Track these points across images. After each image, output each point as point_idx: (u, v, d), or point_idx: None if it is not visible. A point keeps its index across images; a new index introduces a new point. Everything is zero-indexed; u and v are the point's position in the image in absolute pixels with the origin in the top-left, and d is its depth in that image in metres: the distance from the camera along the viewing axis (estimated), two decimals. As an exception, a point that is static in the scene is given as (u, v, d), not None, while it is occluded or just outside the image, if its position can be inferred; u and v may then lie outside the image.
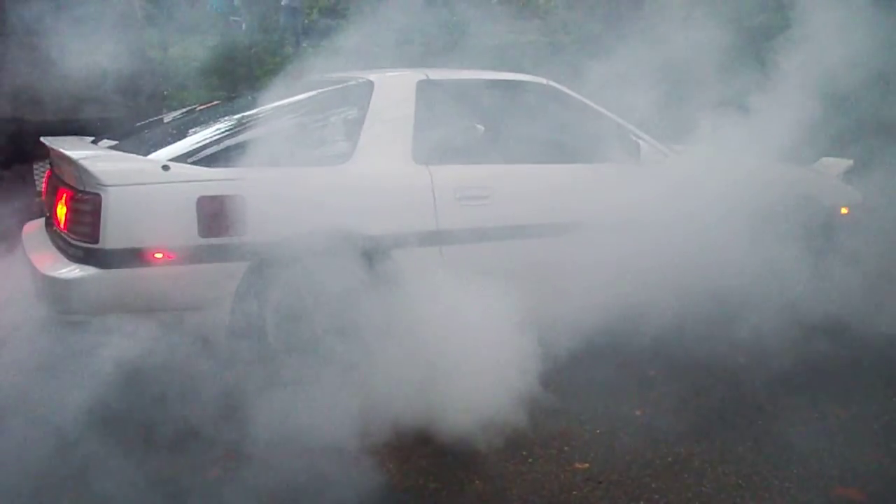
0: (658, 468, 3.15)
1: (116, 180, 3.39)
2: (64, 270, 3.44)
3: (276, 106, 4.17)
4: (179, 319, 3.49)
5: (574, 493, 2.98)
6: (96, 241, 3.37)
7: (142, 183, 3.44)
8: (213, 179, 3.52)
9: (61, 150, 3.65)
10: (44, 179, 4.24)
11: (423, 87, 4.10)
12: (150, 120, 4.81)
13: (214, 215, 3.46)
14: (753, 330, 4.17)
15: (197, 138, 3.91)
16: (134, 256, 3.39)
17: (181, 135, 4.04)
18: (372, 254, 3.67)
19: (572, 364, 3.69)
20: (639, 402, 3.66)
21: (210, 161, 3.61)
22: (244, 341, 3.55)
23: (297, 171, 3.73)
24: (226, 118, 4.23)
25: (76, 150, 3.68)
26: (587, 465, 3.15)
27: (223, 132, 3.93)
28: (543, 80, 4.40)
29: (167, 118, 4.75)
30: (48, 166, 4.15)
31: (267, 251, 3.51)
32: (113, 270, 3.38)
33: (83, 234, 3.42)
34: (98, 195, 3.36)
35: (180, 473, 3.02)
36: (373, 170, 3.78)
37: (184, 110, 4.92)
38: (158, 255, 3.41)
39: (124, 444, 3.14)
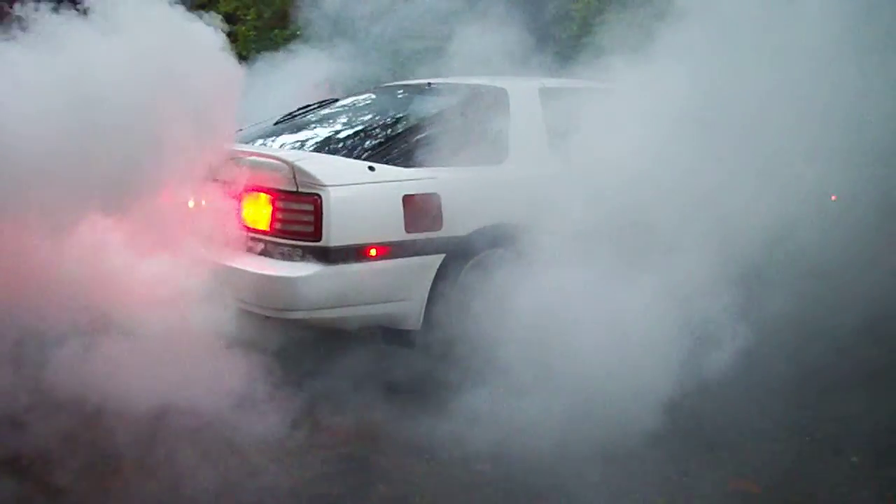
0: (557, 469, 3.19)
1: (334, 181, 3.67)
2: (287, 269, 3.64)
3: (427, 109, 4.50)
4: (384, 311, 3.83)
5: (475, 494, 3.02)
6: (318, 240, 3.61)
7: (355, 183, 3.75)
8: (414, 178, 3.89)
9: (263, 152, 3.96)
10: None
11: (543, 93, 4.45)
12: (280, 119, 4.94)
13: (418, 211, 3.79)
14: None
15: (367, 139, 4.35)
16: (353, 252, 3.67)
17: (342, 135, 4.47)
18: (537, 246, 3.79)
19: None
20: (537, 402, 3.61)
21: (405, 161, 4.00)
22: (436, 330, 3.83)
23: (473, 170, 4.07)
24: (378, 119, 4.64)
25: (278, 151, 4.05)
26: (489, 466, 3.20)
27: (397, 133, 4.35)
28: None
29: (294, 117, 4.95)
30: None
31: (457, 244, 3.87)
32: (335, 266, 3.63)
33: (302, 233, 3.65)
34: (318, 195, 3.62)
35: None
36: (526, 169, 4.16)
37: (302, 108, 5.03)
38: (373, 251, 3.70)
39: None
